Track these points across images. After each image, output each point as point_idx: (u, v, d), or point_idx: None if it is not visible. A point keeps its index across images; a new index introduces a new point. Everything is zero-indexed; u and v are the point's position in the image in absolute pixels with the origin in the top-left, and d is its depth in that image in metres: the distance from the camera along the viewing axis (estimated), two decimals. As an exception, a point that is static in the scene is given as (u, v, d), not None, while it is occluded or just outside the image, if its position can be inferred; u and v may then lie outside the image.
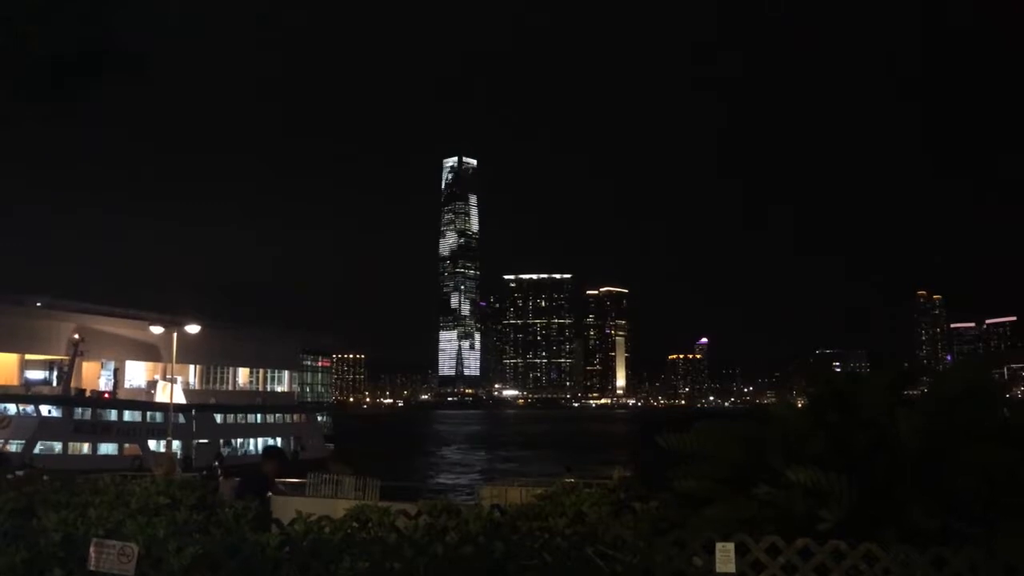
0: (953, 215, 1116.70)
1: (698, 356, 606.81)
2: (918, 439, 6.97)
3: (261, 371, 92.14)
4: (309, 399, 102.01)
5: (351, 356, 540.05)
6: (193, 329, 56.25)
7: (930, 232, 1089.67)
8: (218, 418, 77.24)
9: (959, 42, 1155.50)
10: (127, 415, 69.26)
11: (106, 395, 72.17)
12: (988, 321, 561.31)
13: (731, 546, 6.28)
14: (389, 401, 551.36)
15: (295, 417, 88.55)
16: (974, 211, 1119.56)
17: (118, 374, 75.53)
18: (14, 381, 68.53)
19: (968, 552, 6.02)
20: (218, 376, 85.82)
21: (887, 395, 7.67)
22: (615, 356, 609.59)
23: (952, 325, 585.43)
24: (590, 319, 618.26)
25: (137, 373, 78.02)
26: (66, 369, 69.31)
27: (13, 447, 60.28)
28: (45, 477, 10.67)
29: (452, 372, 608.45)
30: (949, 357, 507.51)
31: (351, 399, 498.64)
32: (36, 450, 60.45)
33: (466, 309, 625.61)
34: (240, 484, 14.21)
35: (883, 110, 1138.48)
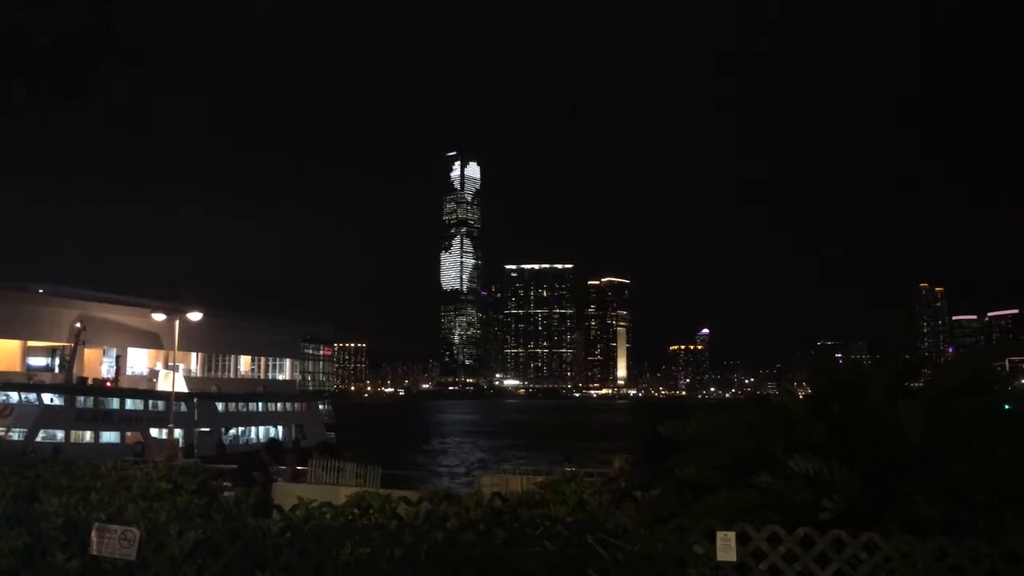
0: (955, 208, 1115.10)
1: (699, 347, 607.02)
2: (920, 429, 6.96)
3: (263, 359, 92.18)
4: (311, 388, 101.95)
5: (352, 345, 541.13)
6: (195, 317, 56.23)
7: (933, 224, 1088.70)
8: (220, 406, 77.36)
9: (959, 34, 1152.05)
10: (129, 403, 69.34)
11: (108, 383, 72.25)
12: (990, 313, 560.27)
13: (732, 534, 6.28)
14: (390, 390, 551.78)
15: (296, 406, 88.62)
16: (977, 204, 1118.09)
17: (120, 361, 75.58)
18: (16, 367, 68.56)
19: (970, 543, 6.01)
20: (220, 364, 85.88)
21: (890, 386, 7.67)
22: (616, 346, 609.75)
23: (954, 317, 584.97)
24: (591, 309, 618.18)
25: (139, 360, 78.04)
26: (68, 356, 69.42)
27: (15, 435, 60.46)
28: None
29: (453, 361, 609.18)
30: (951, 349, 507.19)
31: (352, 388, 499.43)
32: (38, 438, 60.60)
33: (468, 299, 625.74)
34: (240, 469, 14.30)
35: (887, 102, 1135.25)
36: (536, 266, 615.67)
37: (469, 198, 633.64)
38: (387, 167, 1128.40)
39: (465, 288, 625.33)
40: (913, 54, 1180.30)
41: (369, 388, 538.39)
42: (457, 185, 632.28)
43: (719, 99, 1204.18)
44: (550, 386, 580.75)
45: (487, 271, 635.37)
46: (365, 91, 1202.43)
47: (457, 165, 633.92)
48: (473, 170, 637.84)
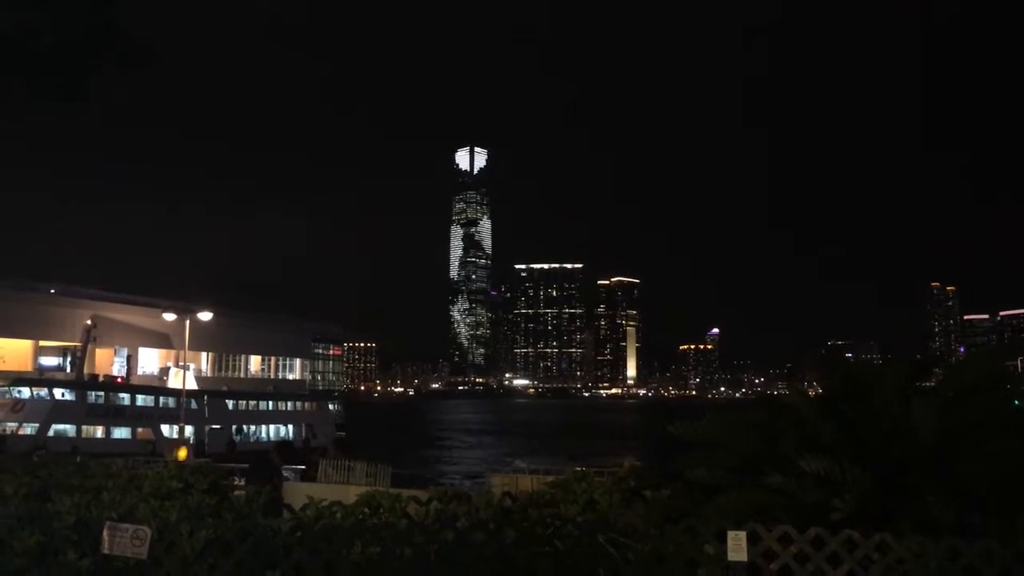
0: (967, 207, 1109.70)
1: (709, 347, 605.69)
2: (932, 429, 6.93)
3: (273, 359, 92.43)
4: (321, 387, 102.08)
5: (362, 345, 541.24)
6: (206, 317, 56.39)
7: (933, 224, 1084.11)
8: (230, 404, 77.62)
9: (959, 34, 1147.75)
10: (140, 399, 69.71)
11: (119, 380, 72.66)
12: (1002, 313, 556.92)
13: (743, 534, 6.26)
14: (400, 390, 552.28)
15: (306, 405, 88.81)
16: (977, 204, 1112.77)
17: (131, 361, 75.98)
18: (28, 367, 68.96)
19: (983, 544, 5.98)
20: (230, 364, 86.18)
21: (902, 386, 7.64)
22: (626, 346, 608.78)
23: (965, 317, 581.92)
24: (601, 309, 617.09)
25: (150, 360, 78.45)
26: (79, 355, 69.76)
27: (28, 430, 60.82)
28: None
29: (463, 361, 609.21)
30: (963, 349, 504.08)
31: (362, 387, 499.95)
32: (50, 433, 60.96)
33: (477, 298, 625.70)
34: (250, 471, 14.32)
35: (886, 102, 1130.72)
36: (545, 266, 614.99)
37: (479, 198, 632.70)
38: (387, 167, 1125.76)
39: (474, 287, 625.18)
40: (913, 54, 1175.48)
41: (379, 388, 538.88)
42: (466, 185, 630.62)
43: (719, 99, 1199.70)
44: (560, 386, 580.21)
45: (496, 271, 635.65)
46: (365, 91, 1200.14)
47: (466, 159, 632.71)
48: (482, 160, 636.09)
